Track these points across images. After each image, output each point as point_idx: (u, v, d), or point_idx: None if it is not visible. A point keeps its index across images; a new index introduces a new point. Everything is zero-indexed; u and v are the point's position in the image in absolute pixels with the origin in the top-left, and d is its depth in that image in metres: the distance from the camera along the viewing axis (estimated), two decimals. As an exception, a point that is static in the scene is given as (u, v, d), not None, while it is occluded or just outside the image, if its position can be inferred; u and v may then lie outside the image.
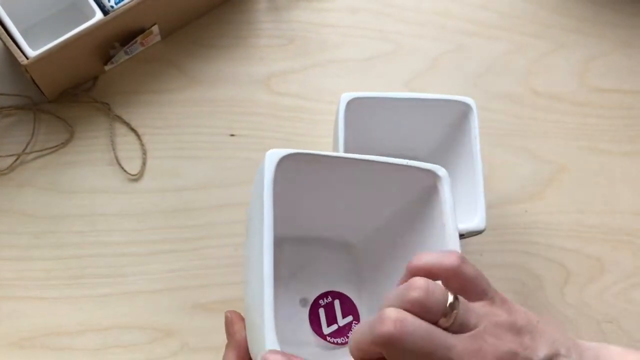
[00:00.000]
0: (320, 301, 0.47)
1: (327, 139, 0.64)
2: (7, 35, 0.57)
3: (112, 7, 0.58)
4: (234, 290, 0.59)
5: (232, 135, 0.64)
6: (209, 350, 0.57)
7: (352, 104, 0.55)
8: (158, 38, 0.64)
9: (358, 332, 0.34)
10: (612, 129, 0.68)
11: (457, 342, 0.33)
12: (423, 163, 0.43)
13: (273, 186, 0.40)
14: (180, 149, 0.63)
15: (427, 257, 0.36)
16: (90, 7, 0.58)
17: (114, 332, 0.57)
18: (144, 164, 0.62)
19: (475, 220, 0.54)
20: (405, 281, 0.34)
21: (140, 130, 0.63)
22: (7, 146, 0.61)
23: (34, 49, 0.56)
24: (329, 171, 0.43)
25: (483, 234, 0.57)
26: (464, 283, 0.36)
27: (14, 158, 0.60)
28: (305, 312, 0.47)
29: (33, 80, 0.58)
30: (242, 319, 0.43)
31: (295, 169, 0.42)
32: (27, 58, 0.56)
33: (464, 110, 0.57)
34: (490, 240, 0.63)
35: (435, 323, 0.33)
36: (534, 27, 0.71)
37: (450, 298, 0.34)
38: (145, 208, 0.61)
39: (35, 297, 0.57)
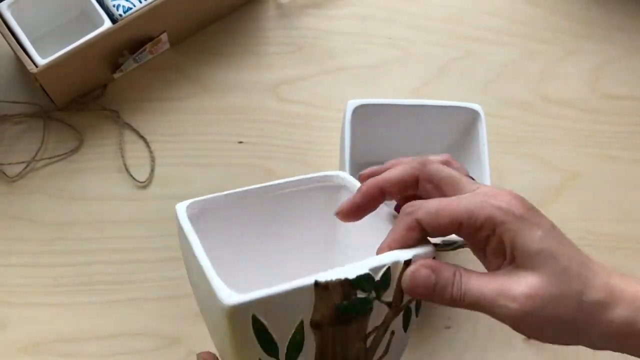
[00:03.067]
0: None
1: (335, 147, 0.64)
2: (17, 44, 0.57)
3: (120, 15, 0.58)
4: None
5: (241, 142, 0.64)
6: (216, 358, 0.57)
7: (358, 111, 0.55)
8: (167, 46, 0.65)
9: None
10: (623, 136, 0.68)
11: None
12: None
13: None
14: (189, 157, 0.63)
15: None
16: (99, 15, 0.59)
17: (121, 339, 0.57)
18: (152, 171, 0.62)
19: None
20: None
21: (149, 138, 0.63)
22: (17, 153, 0.61)
23: (43, 57, 0.57)
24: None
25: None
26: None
27: (24, 165, 0.61)
28: None
29: (43, 89, 0.59)
30: (215, 358, 0.41)
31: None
32: (36, 66, 0.56)
33: (472, 117, 0.57)
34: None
35: None
36: (544, 33, 0.71)
37: None
38: (154, 215, 0.61)
39: (43, 303, 0.58)
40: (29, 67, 0.56)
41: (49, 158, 0.61)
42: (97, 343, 0.57)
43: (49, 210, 0.60)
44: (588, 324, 0.36)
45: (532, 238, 0.36)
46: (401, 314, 0.37)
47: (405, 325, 0.38)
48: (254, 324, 0.34)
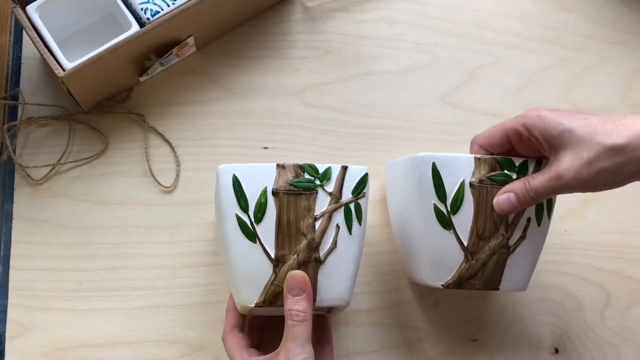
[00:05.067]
0: None
1: (361, 152, 0.63)
2: (44, 47, 0.57)
3: (148, 19, 0.58)
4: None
5: (266, 147, 0.63)
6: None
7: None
8: (193, 49, 0.64)
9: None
10: (656, 146, 0.66)
11: None
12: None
13: None
14: (214, 161, 0.62)
15: None
16: (127, 19, 0.58)
17: (144, 346, 0.57)
18: (177, 175, 0.62)
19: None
20: None
21: (174, 142, 0.62)
22: (42, 156, 0.61)
23: (70, 60, 0.56)
24: None
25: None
26: None
27: (49, 168, 0.60)
28: None
29: (69, 91, 0.59)
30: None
31: None
32: (63, 70, 0.56)
33: None
34: (528, 260, 0.61)
35: None
36: (575, 39, 0.69)
37: None
38: (178, 220, 0.60)
39: (67, 308, 0.57)
40: (56, 71, 0.56)
41: (74, 161, 0.61)
42: (120, 349, 0.57)
43: (73, 214, 0.60)
44: (625, 162, 0.47)
45: (552, 125, 0.48)
46: (342, 209, 0.51)
47: (349, 225, 0.51)
48: (234, 180, 0.51)
